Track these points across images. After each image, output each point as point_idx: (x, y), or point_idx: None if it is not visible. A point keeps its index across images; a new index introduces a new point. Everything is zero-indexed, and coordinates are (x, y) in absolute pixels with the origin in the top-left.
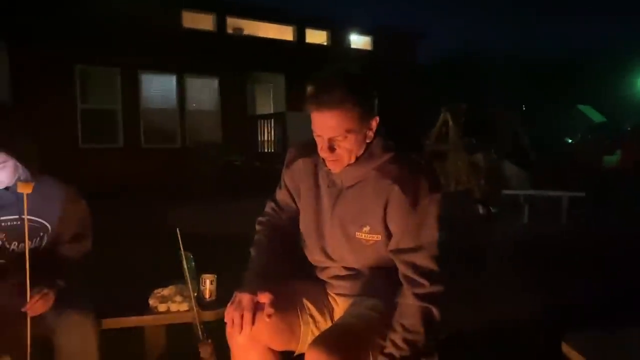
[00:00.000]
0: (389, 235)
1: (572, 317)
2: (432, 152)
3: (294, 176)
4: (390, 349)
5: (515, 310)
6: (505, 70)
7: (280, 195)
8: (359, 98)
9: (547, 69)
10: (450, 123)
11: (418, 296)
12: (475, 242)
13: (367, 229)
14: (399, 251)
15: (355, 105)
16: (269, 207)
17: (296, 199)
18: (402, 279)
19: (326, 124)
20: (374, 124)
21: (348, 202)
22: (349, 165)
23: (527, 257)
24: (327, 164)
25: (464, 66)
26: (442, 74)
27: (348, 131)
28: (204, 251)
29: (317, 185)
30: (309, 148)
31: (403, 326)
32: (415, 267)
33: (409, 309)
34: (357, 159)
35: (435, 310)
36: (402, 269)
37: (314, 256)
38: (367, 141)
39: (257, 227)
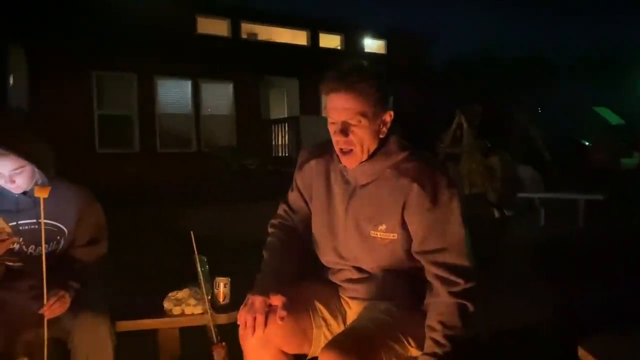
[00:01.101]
0: (405, 234)
1: (588, 320)
2: (446, 154)
3: (306, 177)
4: (432, 347)
5: (531, 313)
6: (520, 71)
7: (293, 197)
8: (374, 83)
9: (562, 70)
10: (465, 125)
11: (454, 294)
12: (491, 245)
13: (382, 227)
14: (425, 252)
15: (370, 89)
16: (282, 209)
17: (308, 201)
18: (432, 279)
19: (342, 105)
20: (388, 118)
21: (362, 201)
22: (363, 162)
23: (543, 260)
24: (341, 159)
25: (479, 68)
26: (457, 76)
27: (362, 115)
28: (217, 254)
29: (329, 186)
30: (321, 149)
31: (442, 323)
32: (447, 267)
33: (445, 306)
34: (371, 156)
35: (470, 306)
36: (433, 269)
37: (327, 257)
38: (381, 136)
39: (270, 229)
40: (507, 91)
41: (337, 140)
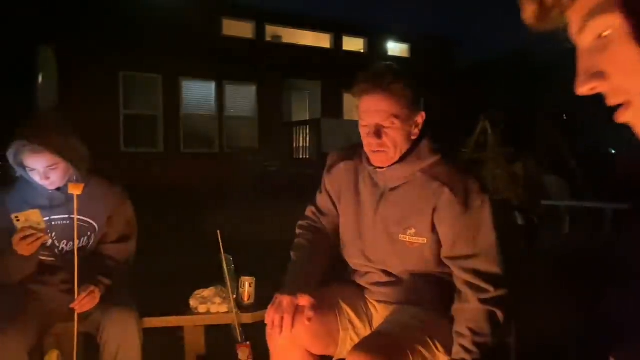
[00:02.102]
0: (435, 238)
1: (618, 331)
2: (469, 160)
3: (335, 180)
4: (460, 354)
5: (558, 324)
6: (546, 78)
7: (321, 199)
8: (407, 84)
9: None
10: (489, 131)
11: (484, 301)
12: (515, 253)
13: (412, 231)
14: (456, 258)
15: (403, 91)
16: (310, 211)
17: (336, 203)
18: (462, 285)
19: (375, 107)
20: (420, 120)
21: (392, 204)
22: (394, 164)
23: (569, 269)
24: (372, 159)
25: (505, 72)
26: (482, 81)
27: (395, 117)
28: (242, 254)
29: (358, 189)
30: (350, 152)
31: (471, 330)
32: (477, 273)
33: (474, 313)
34: (402, 158)
35: (500, 314)
36: (463, 275)
37: (355, 260)
38: (413, 138)
39: (298, 230)
40: (533, 96)
41: (370, 143)
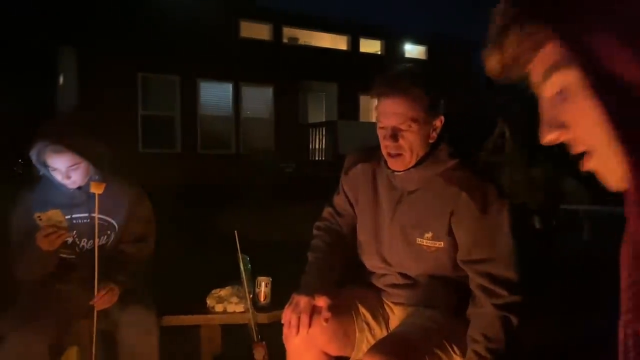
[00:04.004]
0: (452, 242)
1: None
2: (487, 163)
3: (353, 182)
4: (474, 359)
5: (577, 332)
6: None
7: (338, 200)
8: (426, 88)
9: None
10: (507, 134)
11: (498, 306)
12: (532, 258)
13: (429, 235)
14: (472, 262)
15: (422, 94)
16: (327, 212)
17: (354, 205)
18: (476, 289)
19: (393, 110)
20: (439, 124)
21: (410, 207)
22: (411, 168)
23: (588, 275)
24: (389, 162)
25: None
26: (500, 84)
27: (413, 120)
28: (258, 254)
29: (375, 191)
30: (368, 154)
31: (485, 336)
32: (492, 278)
33: (488, 318)
34: (419, 162)
35: (514, 319)
36: (478, 280)
37: (371, 262)
38: (431, 141)
39: (315, 231)
40: None
41: (387, 145)
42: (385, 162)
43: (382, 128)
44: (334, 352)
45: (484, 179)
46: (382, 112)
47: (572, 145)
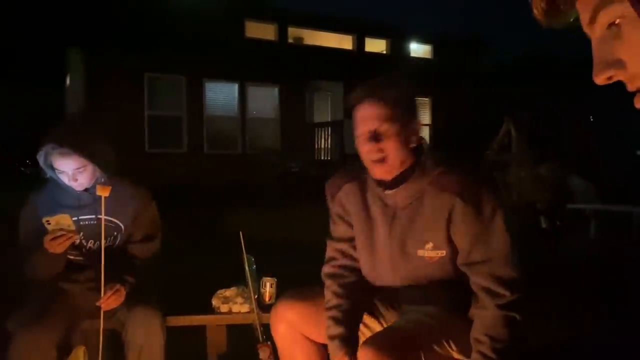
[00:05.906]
0: (453, 249)
1: None
2: (493, 162)
3: (342, 204)
4: None
5: (584, 332)
6: (573, 80)
7: (336, 229)
8: (402, 90)
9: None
10: (514, 133)
11: (501, 306)
12: (538, 257)
13: (429, 245)
14: (472, 264)
15: (399, 96)
16: (330, 249)
17: (352, 223)
18: (478, 291)
19: (370, 113)
20: (417, 127)
21: (405, 221)
22: (401, 185)
23: (595, 275)
24: (374, 171)
25: (530, 73)
26: (506, 82)
27: (392, 121)
28: (264, 255)
29: (367, 207)
30: (350, 174)
31: (489, 336)
32: (493, 278)
33: (492, 319)
34: (407, 178)
35: (519, 318)
36: (479, 281)
37: (372, 279)
38: (411, 145)
39: (325, 280)
40: (560, 99)
41: (369, 150)
42: (374, 180)
43: (361, 134)
44: (323, 340)
45: (475, 181)
46: (361, 118)
47: (628, 83)
